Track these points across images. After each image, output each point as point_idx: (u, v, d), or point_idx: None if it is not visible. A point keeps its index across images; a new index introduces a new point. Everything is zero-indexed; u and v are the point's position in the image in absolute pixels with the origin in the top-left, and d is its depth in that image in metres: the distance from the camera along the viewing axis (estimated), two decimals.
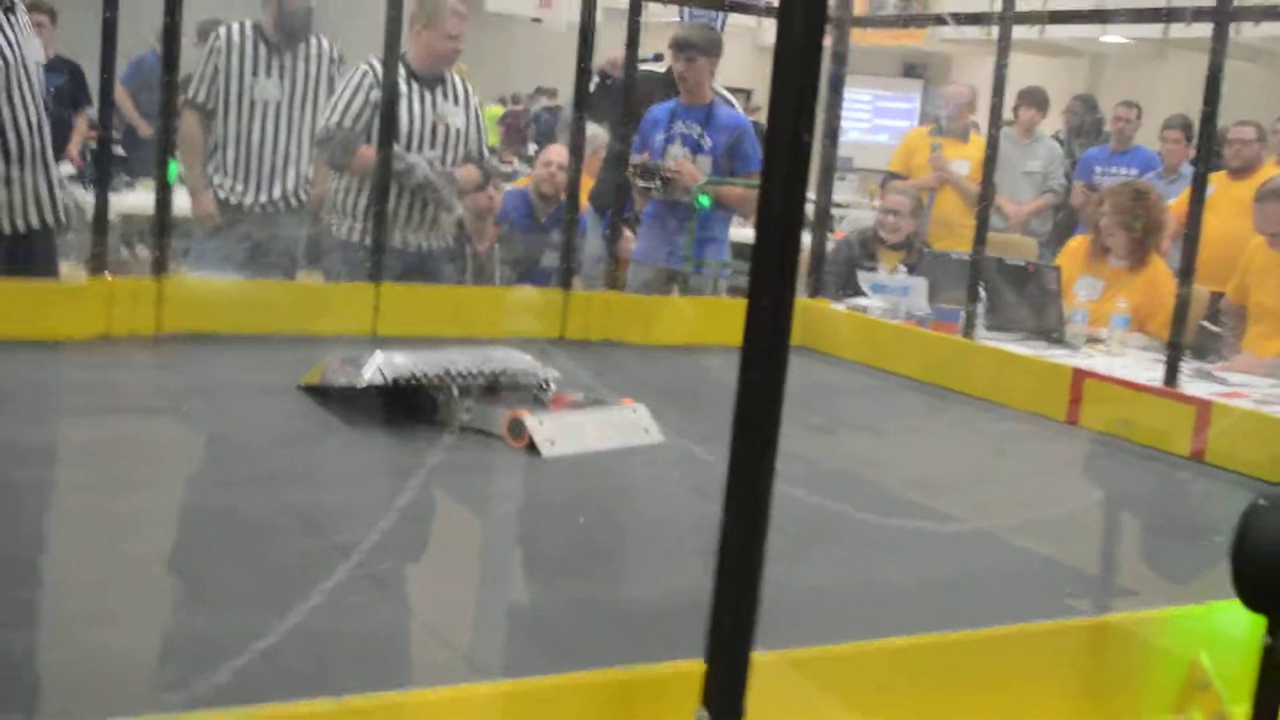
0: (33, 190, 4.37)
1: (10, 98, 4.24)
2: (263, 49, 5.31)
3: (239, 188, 5.36)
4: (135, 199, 7.56)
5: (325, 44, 5.47)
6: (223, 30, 5.31)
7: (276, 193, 5.40)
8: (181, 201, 4.98)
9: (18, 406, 3.22)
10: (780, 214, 1.26)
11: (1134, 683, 1.91)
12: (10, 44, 4.25)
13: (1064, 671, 1.89)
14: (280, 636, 1.87)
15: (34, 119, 4.38)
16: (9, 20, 4.28)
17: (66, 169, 7.25)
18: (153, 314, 4.06)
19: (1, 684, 1.74)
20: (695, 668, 1.36)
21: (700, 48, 5.69)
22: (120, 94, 7.52)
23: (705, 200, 5.63)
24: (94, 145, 7.34)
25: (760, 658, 1.38)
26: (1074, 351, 4.75)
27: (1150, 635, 1.93)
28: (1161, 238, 5.48)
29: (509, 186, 7.42)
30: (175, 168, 4.35)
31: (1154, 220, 5.32)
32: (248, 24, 5.36)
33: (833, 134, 5.34)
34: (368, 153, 4.95)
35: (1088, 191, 7.86)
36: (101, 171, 4.14)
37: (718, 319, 4.89)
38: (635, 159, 5.59)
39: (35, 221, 4.42)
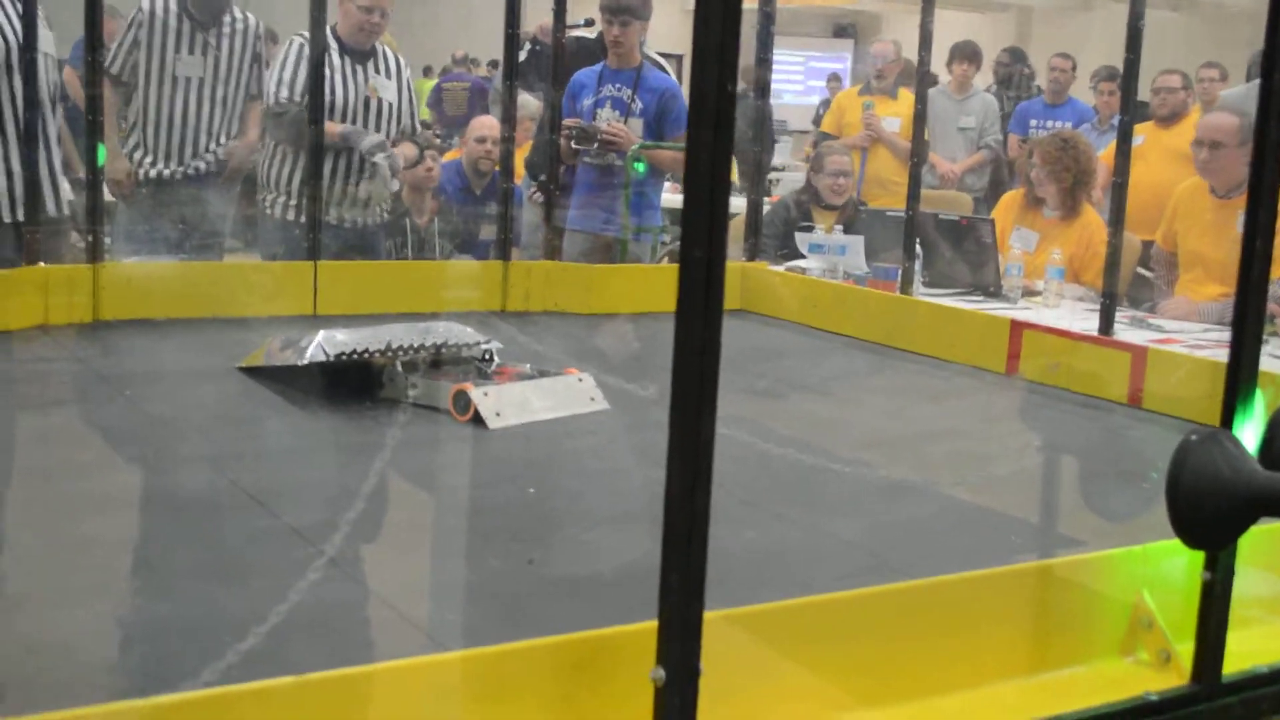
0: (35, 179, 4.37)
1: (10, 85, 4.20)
2: (185, 24, 5.24)
3: (159, 163, 5.30)
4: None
5: (251, 20, 5.41)
6: (145, 2, 5.23)
7: (199, 169, 5.34)
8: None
9: None
10: (707, 164, 1.27)
11: (1081, 626, 1.95)
12: (12, 30, 4.20)
13: (1011, 617, 1.92)
14: (237, 617, 1.88)
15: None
16: (13, 7, 4.26)
17: None
18: (90, 301, 4.03)
19: None
20: (650, 628, 1.38)
21: (633, 10, 5.68)
22: (70, 76, 7.38)
23: (641, 166, 5.63)
24: None
25: (713, 615, 1.40)
26: (1011, 304, 4.80)
27: (1093, 578, 1.96)
28: (1092, 186, 5.54)
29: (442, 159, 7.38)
30: (104, 151, 4.30)
31: (1083, 169, 5.38)
32: None
33: (763, 91, 5.37)
34: (333, 128, 4.96)
35: (1023, 145, 7.92)
36: (29, 159, 4.09)
37: (658, 285, 4.90)
38: (569, 121, 5.57)
39: (52, 210, 4.43)
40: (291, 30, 5.24)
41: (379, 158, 5.07)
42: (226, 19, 5.32)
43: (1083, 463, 3.45)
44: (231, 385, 3.41)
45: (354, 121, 5.16)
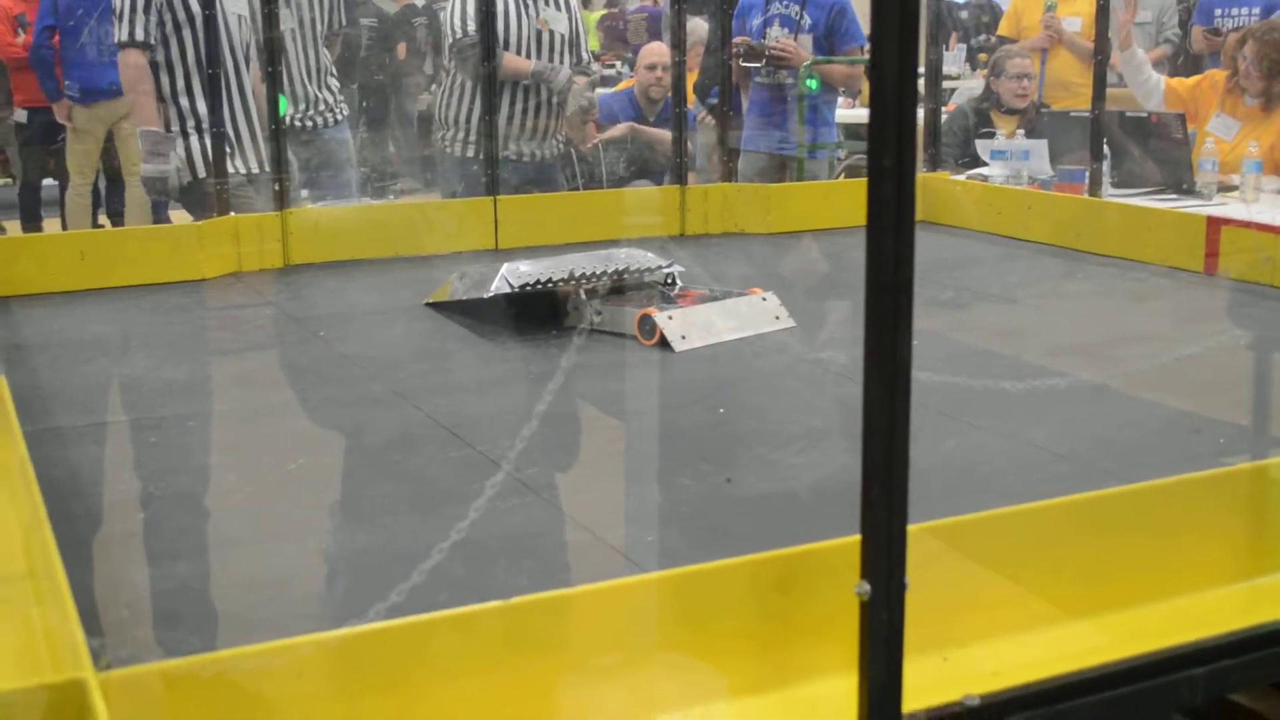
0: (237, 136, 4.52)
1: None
2: None
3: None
4: None
5: None
6: None
7: (312, 116, 5.31)
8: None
9: (167, 345, 3.32)
10: (893, 72, 1.23)
11: None
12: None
13: (1224, 521, 1.86)
14: (440, 545, 1.91)
15: (235, 68, 4.56)
16: None
17: None
18: (279, 247, 4.14)
19: (176, 610, 1.79)
20: (850, 543, 1.36)
21: None
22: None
23: (813, 83, 5.54)
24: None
25: (916, 529, 1.37)
26: (1206, 201, 4.61)
27: None
28: None
29: (610, 90, 7.39)
30: (285, 103, 4.39)
31: None
32: None
33: None
34: (523, 64, 4.97)
35: (1209, 36, 7.58)
36: (215, 113, 4.19)
37: (836, 202, 4.83)
38: (737, 40, 5.51)
39: (242, 167, 4.55)
40: None
41: (583, 90, 5.10)
42: None
43: None
44: (420, 321, 3.47)
45: (526, 54, 5.17)
